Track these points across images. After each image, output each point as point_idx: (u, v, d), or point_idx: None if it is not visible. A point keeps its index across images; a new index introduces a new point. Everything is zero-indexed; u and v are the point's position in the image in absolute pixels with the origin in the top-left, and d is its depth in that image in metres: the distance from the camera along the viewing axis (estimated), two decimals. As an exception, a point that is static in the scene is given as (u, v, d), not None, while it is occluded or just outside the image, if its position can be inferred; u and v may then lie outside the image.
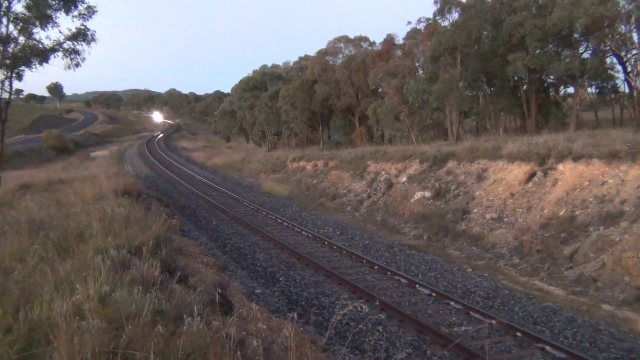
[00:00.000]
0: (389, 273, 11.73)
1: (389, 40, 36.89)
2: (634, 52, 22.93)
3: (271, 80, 52.34)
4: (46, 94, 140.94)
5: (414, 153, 22.45)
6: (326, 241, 14.95)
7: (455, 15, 28.29)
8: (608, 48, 23.64)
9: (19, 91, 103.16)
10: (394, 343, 7.87)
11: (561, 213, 13.48)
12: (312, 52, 47.05)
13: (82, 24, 18.65)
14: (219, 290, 5.51)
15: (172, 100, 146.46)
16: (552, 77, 26.98)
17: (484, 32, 27.25)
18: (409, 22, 38.81)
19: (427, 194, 18.71)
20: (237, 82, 59.29)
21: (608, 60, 24.92)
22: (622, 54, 23.33)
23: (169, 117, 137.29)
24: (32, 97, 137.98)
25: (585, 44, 24.89)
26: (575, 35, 24.39)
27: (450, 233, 15.75)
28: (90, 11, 18.73)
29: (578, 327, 8.74)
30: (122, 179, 18.50)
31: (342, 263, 12.76)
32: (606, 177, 13.33)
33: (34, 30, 18.25)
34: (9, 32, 17.70)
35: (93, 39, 18.95)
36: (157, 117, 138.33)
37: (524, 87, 27.51)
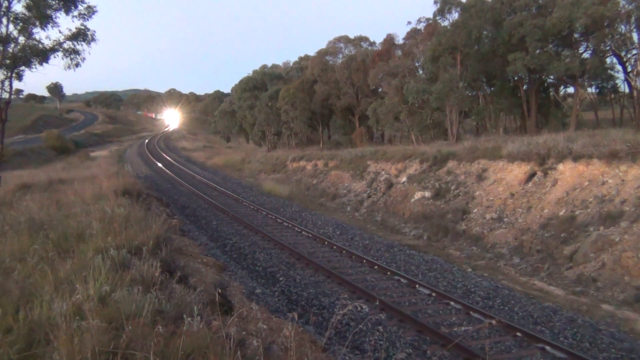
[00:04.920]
0: (389, 273, 11.73)
1: (389, 40, 36.89)
2: (634, 52, 22.93)
3: (271, 80, 52.32)
4: (46, 94, 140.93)
5: (414, 153, 22.44)
6: (326, 241, 14.94)
7: (455, 15, 28.30)
8: (608, 48, 23.62)
9: (19, 91, 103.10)
10: (394, 343, 7.87)
11: (561, 213, 13.47)
12: (312, 52, 47.10)
13: (82, 24, 18.63)
14: (219, 290, 5.51)
15: (172, 100, 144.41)
16: (552, 77, 26.93)
17: (484, 32, 27.22)
18: (409, 22, 38.82)
19: (427, 194, 18.71)
20: (237, 82, 59.29)
21: (608, 60, 24.91)
22: (622, 54, 23.32)
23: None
24: (32, 97, 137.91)
25: (585, 44, 24.86)
26: (575, 35, 24.37)
27: (450, 233, 15.74)
28: (90, 11, 18.71)
29: (578, 327, 8.74)
30: (122, 179, 18.52)
31: (342, 263, 12.76)
32: (606, 177, 13.33)
33: (34, 30, 18.23)
34: (9, 32, 17.68)
35: (93, 39, 18.92)
36: (171, 118, 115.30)
37: (524, 87, 27.49)
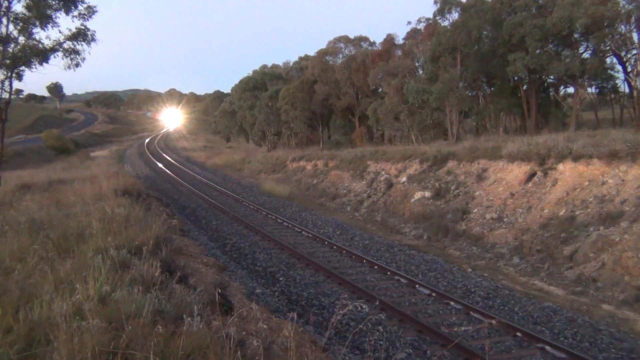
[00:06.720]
0: (389, 273, 11.73)
1: (389, 40, 36.91)
2: (634, 52, 22.94)
3: (271, 80, 52.31)
4: (46, 94, 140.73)
5: (414, 153, 22.44)
6: (326, 241, 14.94)
7: (455, 15, 28.33)
8: (608, 48, 23.63)
9: (19, 91, 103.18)
10: (394, 343, 7.86)
11: (561, 213, 13.48)
12: (312, 52, 47.10)
13: (82, 24, 18.63)
14: (219, 290, 5.50)
15: (172, 100, 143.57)
16: (552, 77, 26.97)
17: (484, 32, 27.25)
18: (409, 22, 38.93)
19: (427, 194, 18.71)
20: (237, 82, 59.25)
21: (608, 60, 24.95)
22: (622, 54, 23.33)
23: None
24: (32, 97, 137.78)
25: (585, 44, 24.88)
26: (575, 35, 24.39)
27: (450, 233, 15.74)
28: (90, 11, 18.71)
29: (578, 327, 8.73)
30: (122, 179, 18.52)
31: (342, 263, 12.76)
32: (606, 177, 13.33)
33: (34, 30, 18.23)
34: (9, 32, 17.68)
35: (93, 39, 18.93)
36: (171, 118, 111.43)
37: (524, 87, 27.51)
